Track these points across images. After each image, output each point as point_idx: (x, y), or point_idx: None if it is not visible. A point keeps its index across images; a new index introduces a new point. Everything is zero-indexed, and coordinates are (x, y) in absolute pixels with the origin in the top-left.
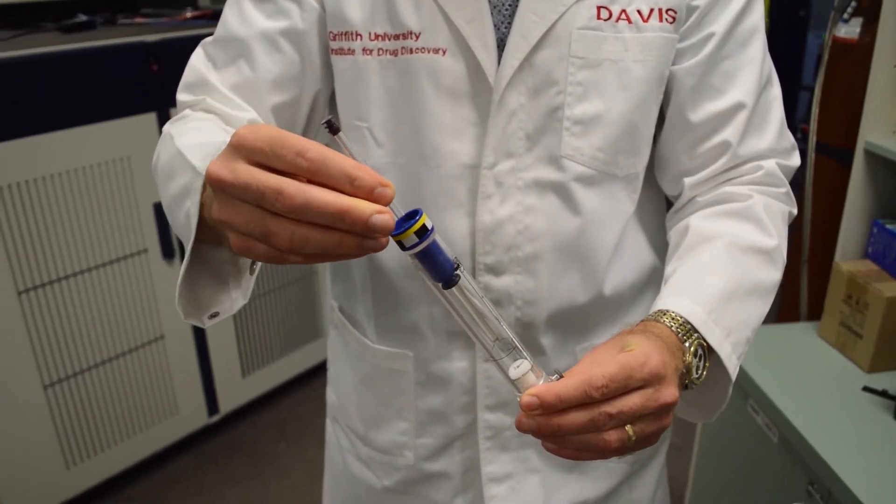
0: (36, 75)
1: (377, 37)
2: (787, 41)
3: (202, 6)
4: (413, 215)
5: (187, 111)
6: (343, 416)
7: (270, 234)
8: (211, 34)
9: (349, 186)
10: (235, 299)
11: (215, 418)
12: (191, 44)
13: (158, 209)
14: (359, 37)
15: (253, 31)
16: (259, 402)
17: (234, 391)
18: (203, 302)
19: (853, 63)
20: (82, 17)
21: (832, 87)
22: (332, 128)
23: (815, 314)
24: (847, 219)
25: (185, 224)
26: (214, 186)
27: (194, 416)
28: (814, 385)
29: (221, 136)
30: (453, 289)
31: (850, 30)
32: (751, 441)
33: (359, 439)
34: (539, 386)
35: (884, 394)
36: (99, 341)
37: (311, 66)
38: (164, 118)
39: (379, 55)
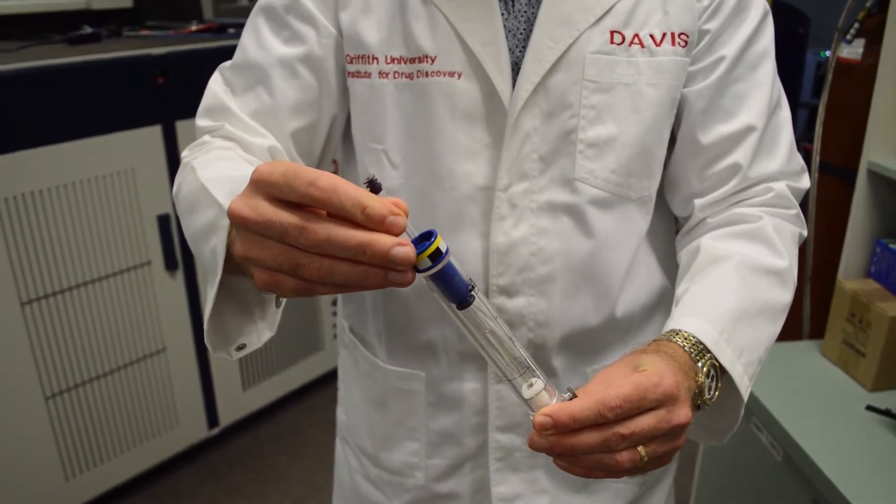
0: (43, 87)
1: (393, 60)
2: (785, 59)
3: (207, 19)
4: (427, 237)
5: (206, 137)
6: (353, 436)
7: (299, 265)
8: (217, 48)
9: (360, 215)
10: (262, 331)
11: (215, 431)
12: (197, 57)
13: (162, 221)
14: (375, 60)
15: (271, 57)
16: (259, 414)
17: (235, 404)
18: (230, 333)
19: (856, 83)
20: (88, 29)
21: (835, 106)
22: (374, 186)
23: (817, 332)
24: (850, 238)
25: (211, 259)
26: (238, 224)
27: (194, 429)
28: (817, 404)
29: (243, 169)
30: (468, 309)
31: (852, 50)
32: (754, 459)
33: (368, 459)
34: (552, 406)
35: (887, 413)
36: (101, 353)
37: (329, 90)
38: (169, 131)
39: (395, 78)
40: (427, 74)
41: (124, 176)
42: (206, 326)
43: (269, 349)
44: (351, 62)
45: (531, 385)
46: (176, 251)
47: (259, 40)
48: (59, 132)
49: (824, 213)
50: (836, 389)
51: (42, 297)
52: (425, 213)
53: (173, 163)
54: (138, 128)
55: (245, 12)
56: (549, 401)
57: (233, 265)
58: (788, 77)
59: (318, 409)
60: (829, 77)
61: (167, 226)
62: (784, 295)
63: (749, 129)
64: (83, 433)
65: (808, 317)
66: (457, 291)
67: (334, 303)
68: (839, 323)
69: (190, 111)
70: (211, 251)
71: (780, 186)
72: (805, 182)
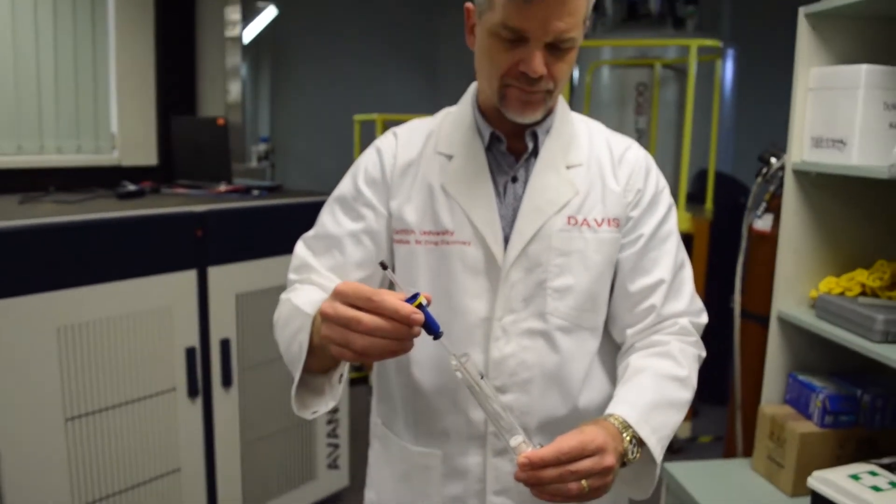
0: (100, 235)
1: (425, 233)
2: (729, 225)
3: (235, 182)
4: (415, 297)
5: (297, 285)
6: None
7: (349, 342)
8: (246, 208)
9: (396, 315)
10: (328, 401)
11: None
12: (231, 215)
13: (189, 353)
14: (412, 232)
15: (342, 230)
16: None
17: None
18: (307, 404)
19: (767, 249)
20: (131, 186)
21: (753, 266)
22: (384, 266)
23: (749, 451)
24: (768, 372)
25: (297, 353)
26: (323, 318)
27: None
28: None
29: (322, 296)
30: (475, 386)
31: (763, 223)
32: None
33: None
34: (529, 451)
35: None
36: (126, 469)
37: (382, 252)
38: (202, 275)
39: (426, 245)
40: (448, 243)
41: (161, 313)
42: (292, 401)
43: (269, 475)
44: (397, 233)
45: (516, 438)
46: (198, 379)
47: (334, 218)
48: (109, 273)
49: (748, 351)
50: (763, 497)
51: (83, 414)
52: (445, 334)
53: (203, 302)
54: (176, 271)
55: (255, 174)
56: (526, 449)
57: (312, 359)
58: (733, 241)
59: None
60: (744, 244)
61: (193, 357)
62: (685, 394)
63: (661, 282)
64: None
65: (740, 438)
66: (434, 330)
67: (328, 434)
68: (763, 441)
69: (221, 258)
70: (298, 346)
71: (684, 322)
72: (703, 318)
